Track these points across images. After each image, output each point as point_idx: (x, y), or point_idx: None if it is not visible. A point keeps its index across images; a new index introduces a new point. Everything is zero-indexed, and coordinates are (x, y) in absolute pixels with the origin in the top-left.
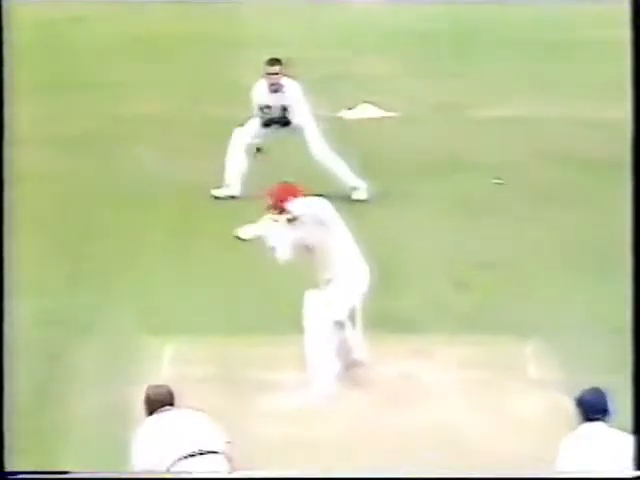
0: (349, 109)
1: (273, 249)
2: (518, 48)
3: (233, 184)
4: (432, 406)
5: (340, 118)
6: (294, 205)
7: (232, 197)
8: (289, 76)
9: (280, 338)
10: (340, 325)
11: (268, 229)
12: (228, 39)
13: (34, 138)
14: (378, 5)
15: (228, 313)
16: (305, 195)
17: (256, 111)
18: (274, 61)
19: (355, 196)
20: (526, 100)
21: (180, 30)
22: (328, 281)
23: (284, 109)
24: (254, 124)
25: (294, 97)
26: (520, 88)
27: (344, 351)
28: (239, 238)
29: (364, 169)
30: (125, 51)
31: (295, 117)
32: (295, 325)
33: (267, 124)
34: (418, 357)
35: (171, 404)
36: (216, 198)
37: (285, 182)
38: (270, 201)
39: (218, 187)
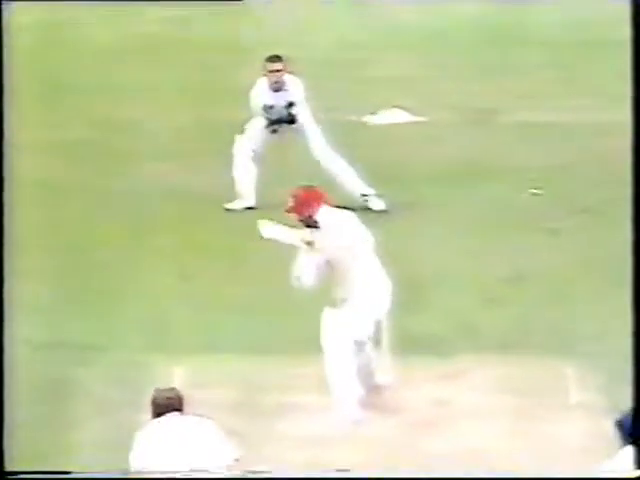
0: (373, 113)
1: (298, 278)
2: (552, 50)
3: (246, 195)
4: (464, 433)
5: (364, 123)
6: (320, 214)
7: (248, 208)
8: (291, 73)
9: (300, 358)
10: (361, 346)
11: (294, 244)
12: (242, 41)
13: (35, 146)
14: (405, 3)
15: (242, 332)
16: (328, 203)
17: (258, 112)
18: (275, 58)
19: (372, 206)
20: (562, 104)
21: (190, 32)
22: (345, 299)
23: (289, 106)
24: (256, 128)
25: (298, 94)
26: (556, 91)
27: (368, 374)
28: (260, 236)
29: (389, 177)
30: (130, 54)
31: (300, 115)
32: (315, 344)
33: (272, 123)
34: (448, 380)
35: (179, 409)
36: (228, 210)
37: (308, 186)
38: (292, 205)
39: (231, 200)
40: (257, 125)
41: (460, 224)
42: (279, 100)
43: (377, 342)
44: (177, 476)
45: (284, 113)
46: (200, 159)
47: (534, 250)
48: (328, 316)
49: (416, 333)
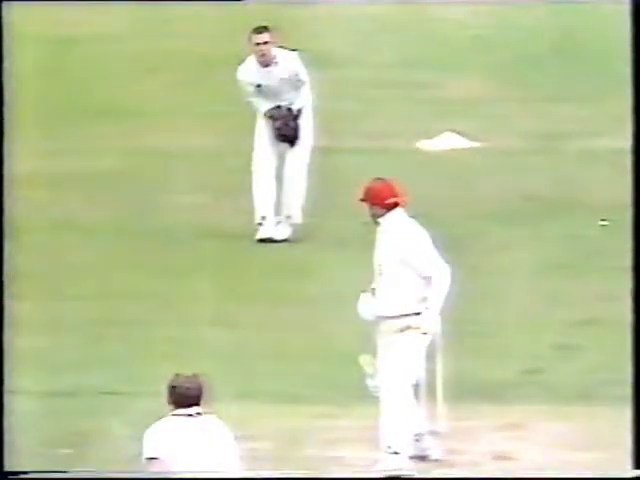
0: (429, 138)
1: (366, 320)
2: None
3: (268, 216)
4: None
5: (417, 149)
6: (384, 217)
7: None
8: (283, 47)
9: (345, 409)
10: (416, 388)
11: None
12: None
13: (47, 177)
14: (466, 14)
15: (281, 380)
16: (402, 199)
17: (248, 93)
18: (262, 29)
19: (278, 236)
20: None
21: (223, 49)
22: (394, 315)
23: (280, 82)
24: (267, 138)
25: (291, 70)
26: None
27: (421, 422)
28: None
29: (444, 208)
30: (158, 73)
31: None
32: (362, 393)
33: (279, 135)
34: (509, 433)
35: (198, 402)
36: (261, 241)
37: (383, 179)
38: (364, 195)
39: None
40: (268, 137)
41: (524, 262)
42: (268, 78)
43: (432, 386)
44: (177, 476)
45: (274, 92)
46: (237, 191)
47: (610, 291)
48: (387, 357)
49: (475, 378)
